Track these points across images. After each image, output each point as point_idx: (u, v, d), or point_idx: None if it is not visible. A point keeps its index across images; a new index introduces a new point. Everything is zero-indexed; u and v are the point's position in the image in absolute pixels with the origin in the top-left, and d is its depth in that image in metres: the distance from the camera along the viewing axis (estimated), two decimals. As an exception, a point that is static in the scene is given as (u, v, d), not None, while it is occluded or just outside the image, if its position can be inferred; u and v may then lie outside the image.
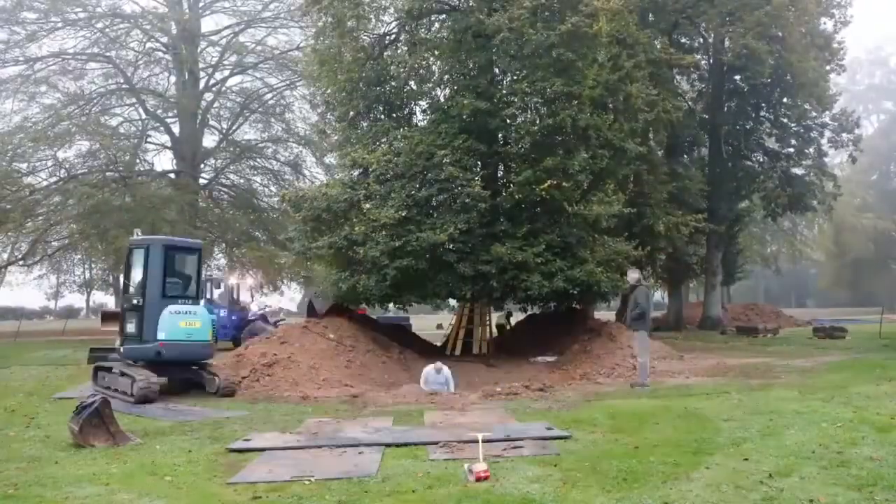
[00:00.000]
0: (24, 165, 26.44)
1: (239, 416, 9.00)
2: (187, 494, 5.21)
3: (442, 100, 19.22)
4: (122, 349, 11.16)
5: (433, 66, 20.13)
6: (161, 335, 10.67)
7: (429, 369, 12.91)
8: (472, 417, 8.54)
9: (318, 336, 15.15)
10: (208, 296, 20.91)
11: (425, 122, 19.56)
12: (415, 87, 19.82)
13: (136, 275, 11.37)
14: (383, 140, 18.17)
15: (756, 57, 21.32)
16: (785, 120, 25.88)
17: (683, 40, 26.05)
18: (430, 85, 19.70)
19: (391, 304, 20.54)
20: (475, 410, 9.33)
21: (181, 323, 10.85)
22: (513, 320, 22.97)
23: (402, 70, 17.66)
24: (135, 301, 11.08)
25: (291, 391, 11.28)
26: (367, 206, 16.41)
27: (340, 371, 13.61)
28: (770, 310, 34.28)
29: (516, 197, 16.68)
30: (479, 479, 5.28)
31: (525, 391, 11.24)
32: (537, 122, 16.90)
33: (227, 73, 34.56)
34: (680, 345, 19.13)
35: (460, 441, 6.63)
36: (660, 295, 52.75)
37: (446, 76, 19.30)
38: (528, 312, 22.68)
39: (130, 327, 11.09)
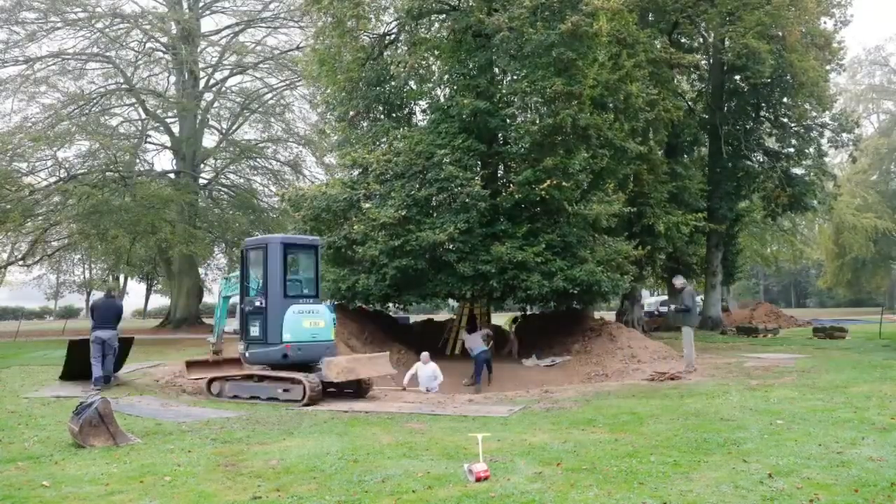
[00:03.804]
0: (24, 165, 26.40)
1: (238, 415, 9.00)
2: (187, 494, 5.20)
3: (442, 100, 19.24)
4: (247, 354, 10.83)
5: (433, 66, 20.14)
6: (287, 336, 10.33)
7: (419, 365, 12.99)
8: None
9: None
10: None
11: (425, 121, 19.57)
12: (415, 87, 19.83)
13: (255, 276, 11.02)
14: (383, 140, 18.19)
15: (756, 57, 21.31)
16: (785, 120, 25.87)
17: (683, 40, 26.03)
18: (430, 85, 19.71)
19: (391, 304, 20.55)
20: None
21: (305, 323, 10.50)
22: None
23: (402, 70, 17.68)
24: (257, 303, 10.69)
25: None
26: (367, 205, 16.43)
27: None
28: (769, 309, 34.25)
29: (516, 197, 16.69)
30: (479, 479, 5.27)
31: (525, 392, 11.24)
32: (537, 121, 16.92)
33: (227, 73, 34.57)
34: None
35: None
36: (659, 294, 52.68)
37: (446, 76, 19.30)
38: (528, 312, 22.69)
39: (254, 331, 10.72)
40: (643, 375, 12.91)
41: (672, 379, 11.99)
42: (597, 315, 22.44)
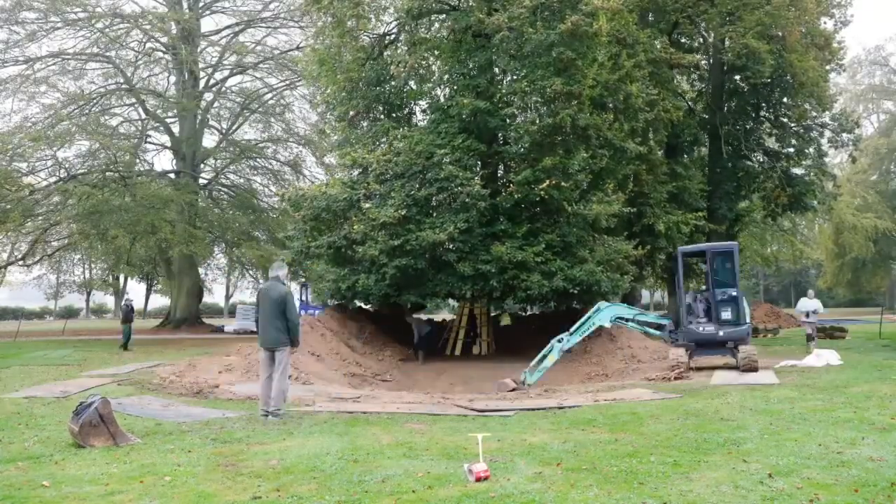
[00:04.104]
0: (24, 165, 26.44)
1: (238, 415, 8.99)
2: (187, 494, 5.20)
3: (442, 100, 19.24)
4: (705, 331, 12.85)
5: (433, 66, 20.15)
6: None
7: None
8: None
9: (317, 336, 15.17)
10: None
11: (425, 121, 19.58)
12: (415, 87, 19.83)
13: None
14: (383, 140, 18.19)
15: (756, 57, 21.31)
16: (785, 120, 25.87)
17: (683, 40, 26.04)
18: (430, 85, 19.71)
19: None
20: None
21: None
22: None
23: (402, 70, 17.72)
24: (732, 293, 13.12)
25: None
26: (367, 205, 16.43)
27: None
28: (769, 309, 34.21)
29: (516, 196, 16.71)
30: (479, 479, 5.27)
31: (525, 393, 11.23)
32: (537, 121, 16.92)
33: (227, 73, 34.62)
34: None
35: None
36: (659, 295, 52.68)
37: (446, 76, 19.31)
38: (529, 312, 22.68)
39: (726, 314, 12.98)
40: (643, 375, 12.90)
41: (677, 378, 11.99)
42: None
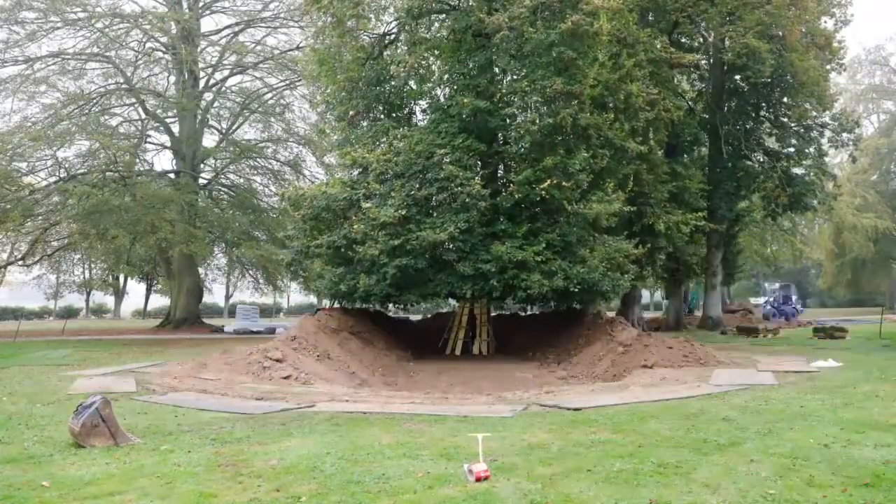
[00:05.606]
0: (24, 165, 26.44)
1: (238, 415, 8.99)
2: (187, 495, 5.20)
3: (442, 99, 19.24)
4: None
5: (433, 66, 20.15)
6: None
7: None
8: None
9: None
10: None
11: (425, 121, 19.58)
12: (415, 87, 19.83)
13: None
14: (383, 139, 18.19)
15: (756, 56, 21.32)
16: (785, 120, 25.89)
17: (683, 40, 26.04)
18: (430, 85, 19.70)
19: (391, 305, 20.54)
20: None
21: None
22: None
23: (402, 70, 17.71)
24: None
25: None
26: (367, 204, 16.42)
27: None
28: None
29: (516, 196, 16.69)
30: (479, 479, 5.27)
31: (525, 392, 11.23)
32: (537, 121, 16.91)
33: (226, 73, 34.60)
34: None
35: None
36: (660, 295, 52.69)
37: (446, 76, 19.30)
38: (529, 312, 22.68)
39: None
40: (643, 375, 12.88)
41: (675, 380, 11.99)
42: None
